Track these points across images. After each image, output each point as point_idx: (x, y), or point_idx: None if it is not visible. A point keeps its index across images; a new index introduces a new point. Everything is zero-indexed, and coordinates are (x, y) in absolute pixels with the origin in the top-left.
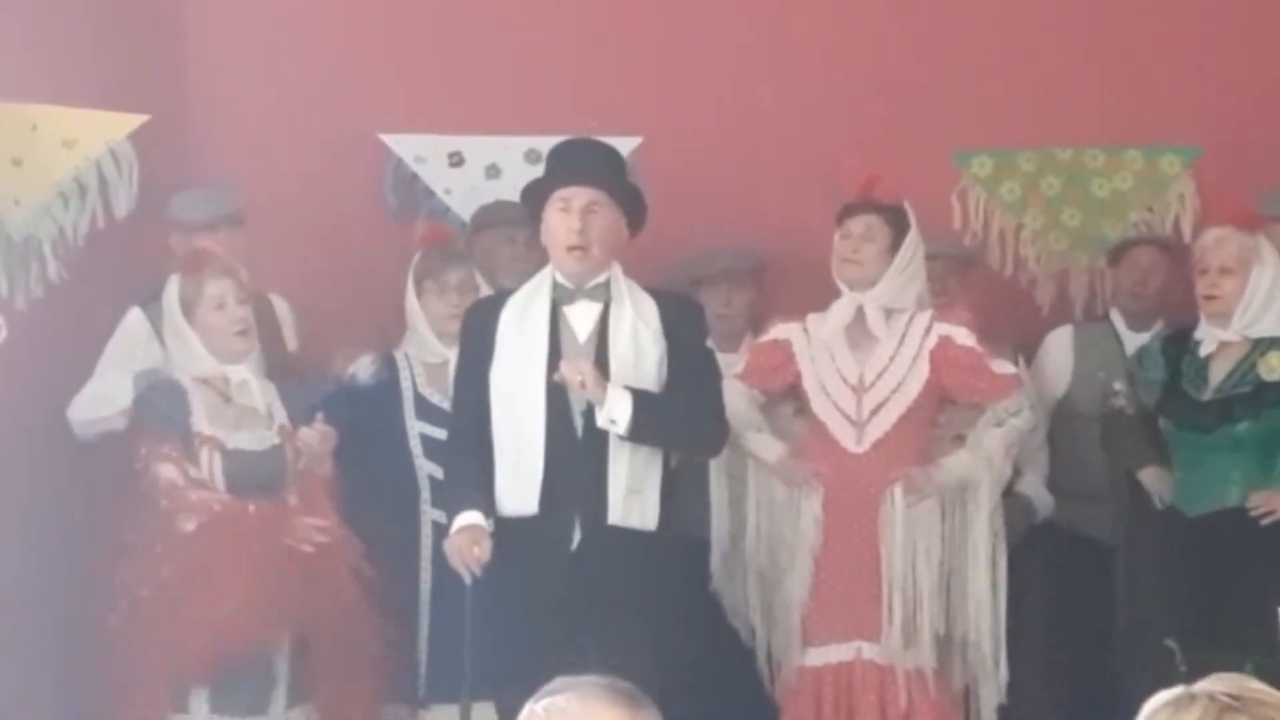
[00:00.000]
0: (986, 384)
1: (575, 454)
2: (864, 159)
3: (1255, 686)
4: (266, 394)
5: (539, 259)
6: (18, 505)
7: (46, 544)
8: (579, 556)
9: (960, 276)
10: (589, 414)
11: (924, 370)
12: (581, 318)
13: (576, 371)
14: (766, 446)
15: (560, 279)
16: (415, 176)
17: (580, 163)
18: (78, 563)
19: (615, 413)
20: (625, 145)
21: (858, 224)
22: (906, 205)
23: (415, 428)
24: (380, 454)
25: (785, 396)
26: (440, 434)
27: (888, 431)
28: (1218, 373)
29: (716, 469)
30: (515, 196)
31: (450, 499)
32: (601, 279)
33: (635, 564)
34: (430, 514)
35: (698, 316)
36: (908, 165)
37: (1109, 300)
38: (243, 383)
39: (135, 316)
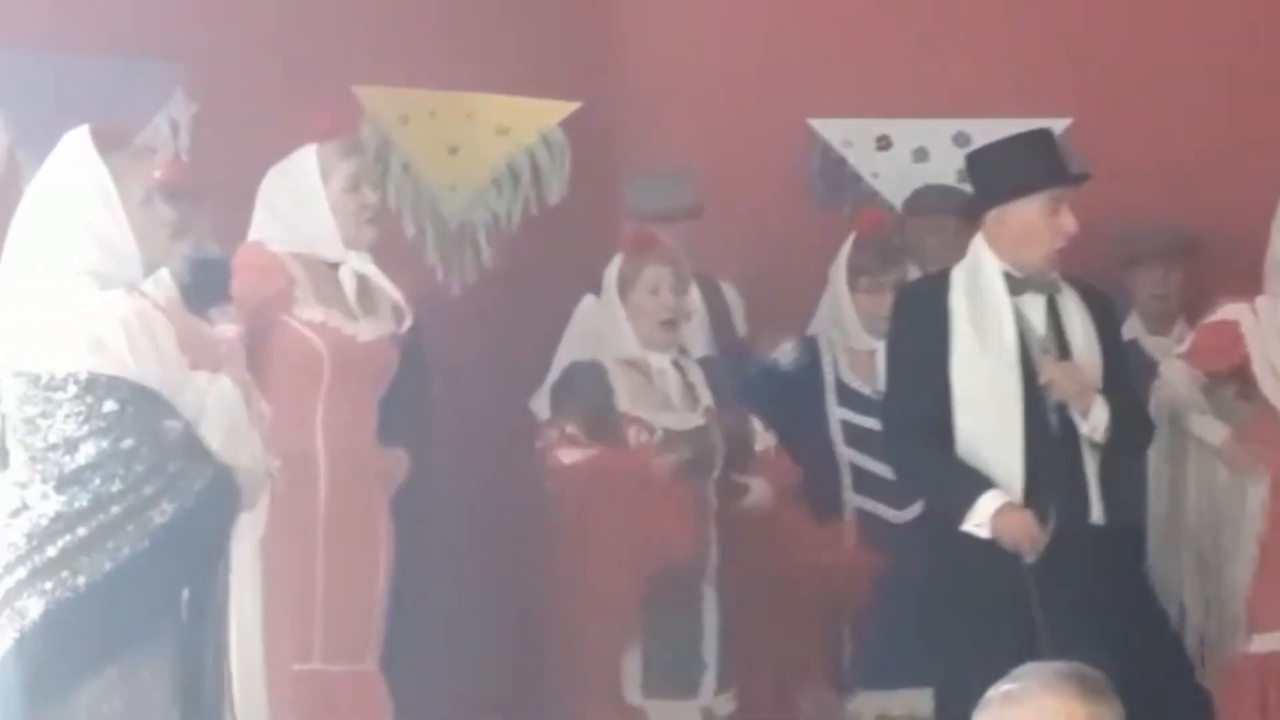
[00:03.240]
0: None
1: (1051, 450)
2: None
3: None
4: (693, 376)
5: (965, 247)
6: (456, 490)
7: (486, 529)
8: (1052, 552)
9: None
10: (1060, 409)
11: None
12: (1032, 310)
13: (1074, 381)
14: (1211, 429)
15: (1010, 269)
16: (843, 161)
17: (1067, 161)
18: (519, 546)
19: (1096, 419)
20: (1056, 126)
21: None
22: None
23: (837, 414)
24: (801, 439)
25: (1228, 378)
26: (863, 421)
27: None
28: None
29: (1156, 451)
30: (943, 180)
31: (954, 482)
32: (1051, 272)
33: (1104, 558)
34: (853, 500)
35: (1116, 307)
36: None
37: None
38: (662, 371)
39: (588, 303)
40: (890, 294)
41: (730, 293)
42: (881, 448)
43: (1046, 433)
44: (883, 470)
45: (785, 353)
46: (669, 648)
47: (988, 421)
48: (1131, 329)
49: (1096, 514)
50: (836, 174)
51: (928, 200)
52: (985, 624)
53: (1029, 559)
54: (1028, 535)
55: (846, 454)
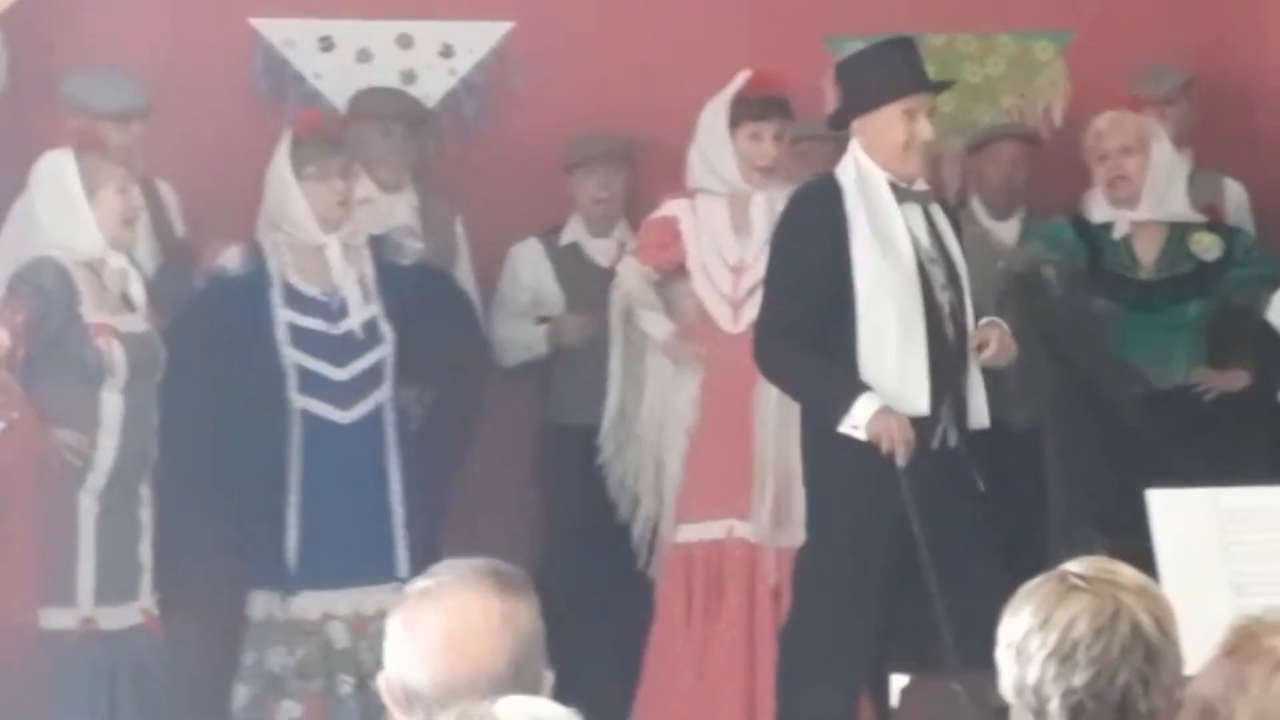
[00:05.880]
0: None
1: (948, 359)
2: (737, 43)
3: (1111, 568)
4: (134, 280)
5: (416, 151)
6: None
7: None
8: (942, 456)
9: (833, 158)
10: (953, 318)
11: None
12: (915, 221)
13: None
14: (656, 324)
15: (891, 179)
16: (286, 61)
17: (922, 70)
18: None
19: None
20: (497, 30)
21: (771, 127)
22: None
23: (283, 316)
24: (250, 343)
25: (677, 274)
26: (309, 322)
27: None
28: (1146, 254)
29: (616, 345)
30: (387, 81)
31: (832, 384)
32: (923, 184)
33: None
34: (298, 402)
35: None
36: (780, 50)
37: (969, 188)
38: (122, 270)
39: (21, 205)
40: (339, 180)
41: (166, 191)
42: (755, 351)
43: (945, 343)
44: (328, 371)
45: (232, 258)
46: (113, 553)
47: (893, 331)
48: (574, 233)
49: (978, 420)
50: (279, 75)
51: (371, 102)
52: (861, 532)
53: (901, 462)
54: (903, 437)
55: (292, 355)
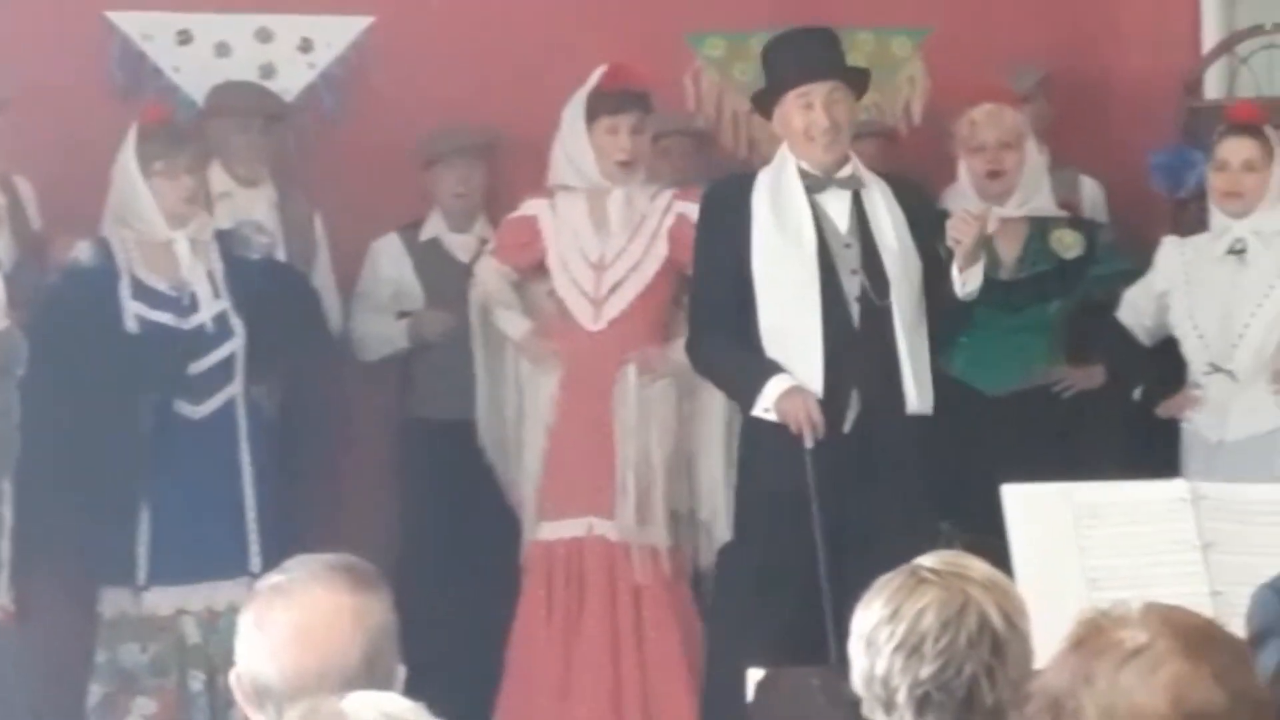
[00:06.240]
0: None
1: (853, 343)
2: (597, 40)
3: (963, 562)
4: None
5: (274, 147)
6: None
7: None
8: (855, 441)
9: (695, 154)
10: (863, 300)
11: (662, 249)
12: (836, 206)
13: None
14: (513, 323)
15: (807, 167)
16: (143, 55)
17: (816, 58)
18: None
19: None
20: (357, 25)
21: (628, 121)
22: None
23: (131, 309)
24: (99, 338)
25: (541, 273)
26: (158, 316)
27: (624, 310)
28: (1008, 252)
29: (478, 345)
30: (245, 75)
31: (747, 370)
32: (849, 168)
33: (915, 446)
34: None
35: (930, 199)
36: (641, 46)
37: None
38: None
39: None
40: (187, 176)
41: (23, 186)
42: (685, 344)
43: (847, 327)
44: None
45: (83, 252)
46: None
47: (789, 317)
48: (434, 228)
49: (913, 404)
50: (136, 68)
51: (229, 97)
52: (772, 515)
53: (809, 443)
54: (809, 416)
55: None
